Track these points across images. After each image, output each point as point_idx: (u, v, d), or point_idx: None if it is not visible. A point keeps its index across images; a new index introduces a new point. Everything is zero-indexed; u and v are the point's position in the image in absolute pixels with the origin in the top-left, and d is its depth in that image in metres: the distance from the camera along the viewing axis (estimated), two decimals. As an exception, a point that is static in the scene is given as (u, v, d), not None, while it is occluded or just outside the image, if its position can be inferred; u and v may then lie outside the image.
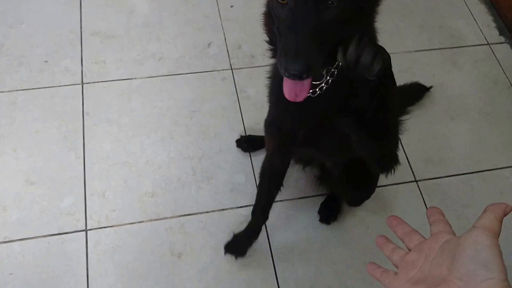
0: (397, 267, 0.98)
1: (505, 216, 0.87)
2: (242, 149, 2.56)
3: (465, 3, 3.36)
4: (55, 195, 2.35)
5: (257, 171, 2.29)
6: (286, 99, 1.21)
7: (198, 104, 2.69)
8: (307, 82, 1.19)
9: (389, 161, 1.75)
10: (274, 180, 2.06)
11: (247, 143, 2.55)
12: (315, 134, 1.57)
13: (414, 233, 1.00)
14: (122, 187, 2.40)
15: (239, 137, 2.58)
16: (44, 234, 2.25)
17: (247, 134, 2.61)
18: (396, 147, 1.71)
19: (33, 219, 2.29)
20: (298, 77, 1.08)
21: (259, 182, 2.14)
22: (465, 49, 3.15)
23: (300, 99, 1.20)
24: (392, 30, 3.15)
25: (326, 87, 1.33)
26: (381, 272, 1.00)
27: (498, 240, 0.82)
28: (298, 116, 1.51)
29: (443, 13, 3.30)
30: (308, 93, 1.23)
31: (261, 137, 2.38)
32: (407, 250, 1.00)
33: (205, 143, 2.57)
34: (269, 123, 1.74)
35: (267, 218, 2.16)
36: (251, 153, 2.55)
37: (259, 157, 2.42)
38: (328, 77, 1.31)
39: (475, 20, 3.30)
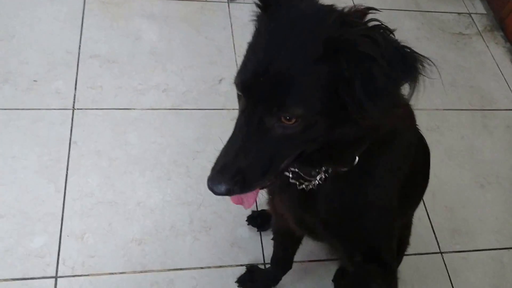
0: None
1: None
2: (254, 226, 2.15)
3: (497, 65, 3.10)
4: (25, 233, 1.97)
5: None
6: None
7: (202, 144, 2.32)
8: (254, 192, 1.10)
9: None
10: (288, 237, 1.77)
11: (261, 219, 2.14)
12: (301, 220, 1.42)
13: None
14: (105, 230, 2.02)
15: (250, 212, 2.18)
16: (5, 278, 1.86)
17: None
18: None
19: (-7, 259, 1.90)
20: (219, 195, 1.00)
21: (273, 236, 1.88)
22: (497, 112, 2.87)
23: (247, 206, 1.13)
24: (420, 86, 2.80)
25: (311, 187, 1.22)
26: None
27: None
28: (283, 200, 1.42)
29: (474, 73, 3.04)
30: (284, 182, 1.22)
31: None
32: None
33: (206, 188, 2.15)
34: None
35: (289, 268, 1.93)
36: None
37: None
38: (317, 180, 1.20)
39: (507, 83, 3.03)
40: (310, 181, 1.20)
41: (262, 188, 1.11)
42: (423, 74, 0.96)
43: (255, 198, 1.12)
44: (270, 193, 1.50)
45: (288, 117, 0.94)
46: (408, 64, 0.93)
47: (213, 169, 1.00)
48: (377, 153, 1.15)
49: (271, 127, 0.96)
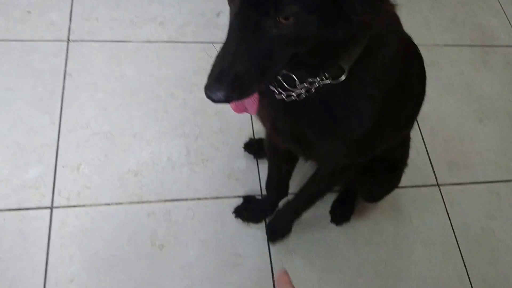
0: None
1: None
2: (251, 153, 2.08)
3: (499, 1, 2.93)
4: (20, 164, 1.89)
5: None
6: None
7: (200, 77, 2.22)
8: (254, 97, 1.03)
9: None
10: (281, 156, 1.70)
11: (258, 146, 2.06)
12: (282, 130, 1.34)
13: None
14: (101, 161, 1.94)
15: (247, 139, 2.11)
16: (0, 208, 1.77)
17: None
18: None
19: (-12, 189, 1.82)
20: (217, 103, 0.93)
21: (267, 157, 1.82)
22: (497, 49, 2.76)
23: (252, 111, 1.06)
24: (421, 21, 2.76)
25: (302, 96, 1.11)
26: None
27: None
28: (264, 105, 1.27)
29: (475, 9, 2.91)
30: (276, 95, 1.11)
31: None
32: None
33: (203, 120, 2.11)
34: None
35: (286, 194, 1.86)
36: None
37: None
38: (300, 91, 1.09)
39: (508, 20, 2.90)
40: (292, 91, 1.10)
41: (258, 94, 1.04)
42: None
43: (257, 103, 1.05)
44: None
45: (284, 16, 0.86)
46: None
47: (210, 76, 0.92)
48: (365, 64, 1.06)
49: (266, 29, 0.88)
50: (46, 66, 2.12)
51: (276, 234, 1.90)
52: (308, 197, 1.70)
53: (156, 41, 2.30)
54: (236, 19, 0.90)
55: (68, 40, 2.22)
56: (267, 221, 1.93)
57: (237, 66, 0.90)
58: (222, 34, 2.16)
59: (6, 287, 1.64)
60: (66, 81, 2.10)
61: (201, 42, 2.34)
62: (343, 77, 1.04)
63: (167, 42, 2.31)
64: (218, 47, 0.94)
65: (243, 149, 2.06)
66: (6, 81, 2.05)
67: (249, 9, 0.87)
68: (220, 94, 0.90)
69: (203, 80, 2.09)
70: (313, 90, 1.07)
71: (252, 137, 2.10)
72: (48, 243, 1.74)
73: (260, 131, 2.08)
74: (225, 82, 0.89)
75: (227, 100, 0.91)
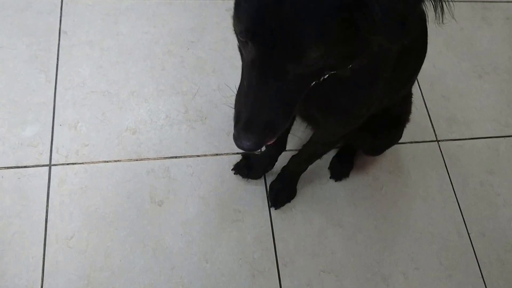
0: None
1: None
2: None
3: (498, -44, 2.86)
4: (17, 122, 1.85)
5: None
6: None
7: (197, 35, 2.17)
8: None
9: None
10: None
11: None
12: None
13: None
14: (98, 119, 1.90)
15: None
16: (-2, 166, 1.75)
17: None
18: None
19: (-15, 148, 1.79)
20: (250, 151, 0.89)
21: None
22: (497, 4, 2.71)
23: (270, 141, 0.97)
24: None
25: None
26: None
27: None
28: None
29: (474, -37, 2.80)
30: None
31: None
32: None
33: (201, 78, 2.07)
34: None
35: (284, 149, 1.83)
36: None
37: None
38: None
39: (508, -26, 2.80)
40: None
41: None
42: None
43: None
44: None
45: (311, 58, 0.82)
46: None
47: (237, 125, 0.90)
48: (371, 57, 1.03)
49: (289, 71, 0.84)
50: (40, 24, 2.06)
51: (281, 199, 1.87)
52: (307, 156, 1.70)
53: (152, -2, 2.25)
54: (254, 65, 0.85)
55: (62, -3, 2.16)
56: (267, 181, 1.91)
57: (265, 114, 0.87)
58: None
59: (6, 245, 1.63)
60: (61, 39, 2.04)
61: (198, -1, 2.29)
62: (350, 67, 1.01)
63: (163, -1, 2.26)
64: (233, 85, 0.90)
65: None
66: (0, 39, 2.00)
67: (269, 54, 0.81)
68: (251, 144, 0.88)
69: (200, 37, 2.06)
70: (321, 80, 1.02)
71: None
72: (47, 200, 1.72)
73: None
74: (256, 131, 0.87)
75: (260, 147, 0.90)
